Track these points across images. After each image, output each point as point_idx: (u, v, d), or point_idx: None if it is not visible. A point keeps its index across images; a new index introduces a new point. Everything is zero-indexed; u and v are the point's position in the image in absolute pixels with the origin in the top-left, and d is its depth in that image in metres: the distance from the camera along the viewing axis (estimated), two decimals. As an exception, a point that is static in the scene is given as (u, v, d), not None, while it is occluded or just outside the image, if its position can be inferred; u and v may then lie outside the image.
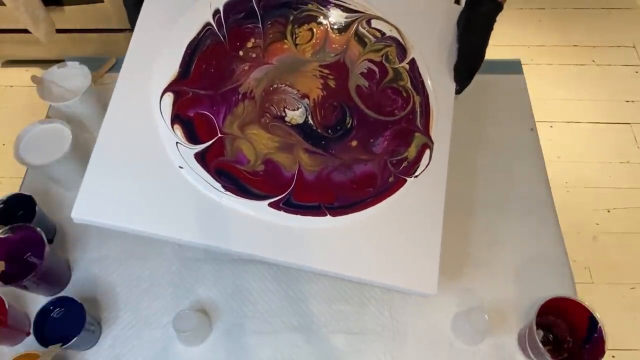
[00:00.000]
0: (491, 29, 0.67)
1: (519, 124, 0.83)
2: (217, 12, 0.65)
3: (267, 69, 0.64)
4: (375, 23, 0.70)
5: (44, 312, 0.62)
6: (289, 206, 0.59)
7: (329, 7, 0.69)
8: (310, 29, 0.67)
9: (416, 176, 0.62)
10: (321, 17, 0.68)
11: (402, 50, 0.69)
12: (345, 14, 0.69)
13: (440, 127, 0.65)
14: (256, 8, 0.66)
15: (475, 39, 0.68)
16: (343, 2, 0.70)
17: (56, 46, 1.58)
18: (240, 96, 0.62)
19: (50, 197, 0.77)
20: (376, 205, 0.60)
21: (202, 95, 0.61)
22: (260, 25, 0.65)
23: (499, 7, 0.66)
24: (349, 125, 0.64)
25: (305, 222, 0.58)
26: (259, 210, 0.58)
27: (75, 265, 0.71)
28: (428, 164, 0.63)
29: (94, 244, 0.72)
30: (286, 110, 0.63)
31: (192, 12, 0.64)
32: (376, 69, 0.67)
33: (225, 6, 0.65)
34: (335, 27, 0.68)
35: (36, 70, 1.78)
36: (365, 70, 0.67)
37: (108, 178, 0.57)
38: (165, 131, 0.59)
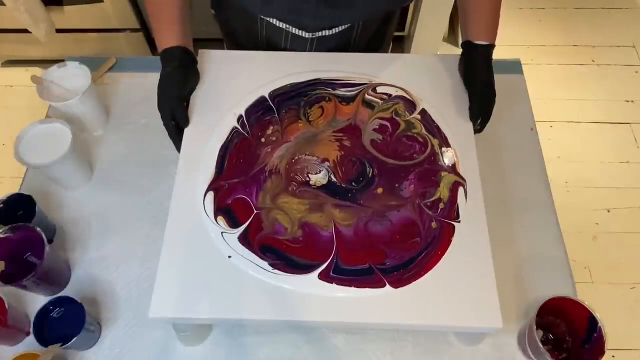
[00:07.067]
0: (490, 65, 0.72)
1: (519, 124, 0.83)
2: (240, 117, 0.73)
3: (287, 146, 0.70)
4: (381, 89, 0.75)
5: (44, 312, 0.62)
6: (340, 274, 0.60)
7: (336, 87, 0.74)
8: (321, 107, 0.74)
9: (459, 221, 0.63)
10: (329, 97, 0.74)
11: (410, 104, 0.74)
12: (351, 89, 0.75)
13: (467, 164, 0.68)
14: (272, 104, 0.74)
15: (478, 78, 0.72)
16: (348, 80, 0.76)
17: (56, 46, 1.58)
18: (267, 174, 0.67)
19: (50, 197, 0.77)
20: (437, 265, 0.60)
21: (236, 183, 0.67)
22: (277, 116, 0.73)
23: (490, 46, 0.72)
24: (370, 175, 0.67)
25: (362, 294, 0.59)
26: (312, 286, 0.59)
27: (75, 265, 0.71)
28: (466, 202, 0.65)
29: (94, 244, 0.72)
30: (310, 175, 0.67)
31: (221, 125, 0.72)
32: (388, 124, 0.72)
33: (247, 111, 0.73)
34: (344, 101, 0.74)
35: (36, 70, 1.78)
36: (377, 127, 0.71)
37: (174, 281, 0.60)
38: (212, 226, 0.63)
